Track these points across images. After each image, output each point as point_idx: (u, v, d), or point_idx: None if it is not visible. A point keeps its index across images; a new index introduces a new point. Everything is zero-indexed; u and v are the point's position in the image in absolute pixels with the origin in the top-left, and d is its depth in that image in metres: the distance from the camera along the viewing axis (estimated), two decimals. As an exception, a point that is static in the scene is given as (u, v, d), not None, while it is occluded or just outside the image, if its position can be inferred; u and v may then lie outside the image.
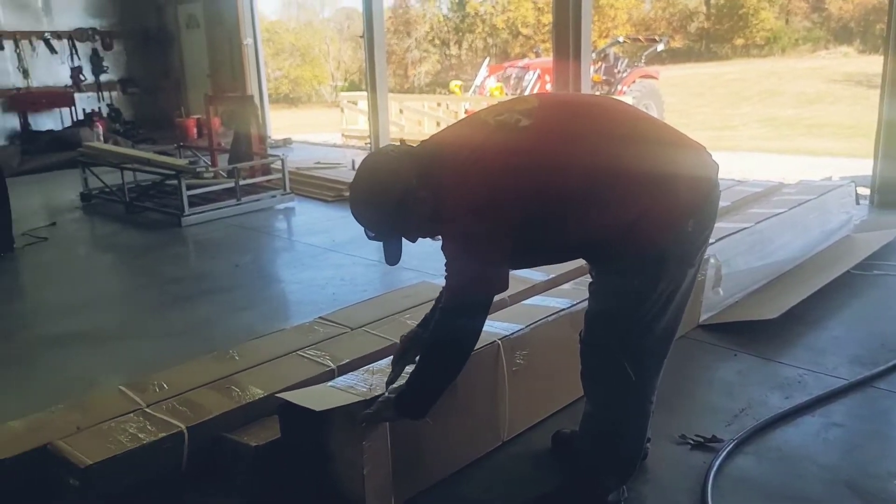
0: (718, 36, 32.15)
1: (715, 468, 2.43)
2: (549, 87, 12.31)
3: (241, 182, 7.05)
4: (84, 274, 5.47)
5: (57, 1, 12.58)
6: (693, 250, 1.96)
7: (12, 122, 12.06)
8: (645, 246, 1.89)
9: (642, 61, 13.50)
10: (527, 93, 12.39)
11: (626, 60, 13.31)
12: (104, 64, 13.19)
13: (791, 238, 4.33)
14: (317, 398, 2.30)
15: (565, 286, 3.34)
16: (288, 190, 7.35)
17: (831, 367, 3.18)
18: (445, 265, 1.94)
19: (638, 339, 1.98)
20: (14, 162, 9.95)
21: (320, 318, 3.19)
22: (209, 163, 7.81)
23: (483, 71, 13.90)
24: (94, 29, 13.00)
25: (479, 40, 33.48)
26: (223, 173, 7.48)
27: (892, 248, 4.70)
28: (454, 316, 1.95)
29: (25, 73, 12.24)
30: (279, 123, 14.76)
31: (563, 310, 2.93)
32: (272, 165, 7.74)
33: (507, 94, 12.38)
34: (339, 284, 4.70)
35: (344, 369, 2.70)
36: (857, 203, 5.40)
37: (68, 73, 12.75)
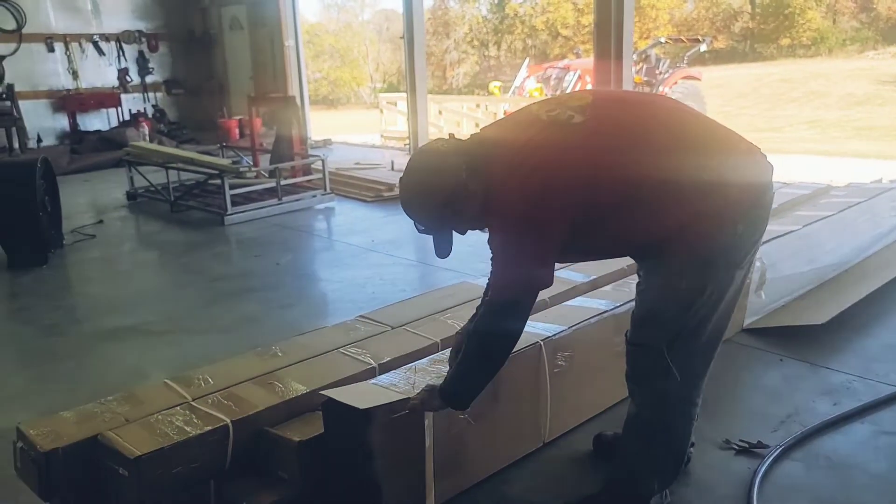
0: (763, 36, 31.53)
1: (761, 474, 2.39)
2: (589, 87, 12.24)
3: (283, 182, 7.14)
4: (131, 270, 5.61)
5: (105, 3, 12.88)
6: (742, 253, 1.93)
7: (62, 122, 12.38)
8: (694, 248, 1.87)
9: (685, 62, 13.30)
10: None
11: (668, 61, 13.14)
12: (150, 65, 13.47)
13: (840, 242, 4.23)
14: (360, 396, 2.31)
15: (606, 288, 3.31)
16: (328, 190, 7.42)
17: (882, 374, 3.10)
18: (492, 258, 1.94)
19: (685, 341, 1.96)
20: (63, 161, 10.21)
21: (361, 316, 3.21)
22: (251, 163, 7.92)
23: (523, 72, 13.85)
24: (140, 31, 13.29)
25: (519, 41, 33.38)
26: (265, 173, 7.58)
27: (946, 253, 4.57)
28: (499, 308, 1.95)
29: (75, 75, 12.56)
30: (319, 124, 14.90)
31: (606, 311, 2.91)
32: (313, 166, 7.82)
33: (546, 95, 12.32)
34: (379, 284, 4.73)
35: (385, 367, 2.71)
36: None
37: (115, 74, 13.05)
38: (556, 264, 2.02)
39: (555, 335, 2.68)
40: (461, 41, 33.64)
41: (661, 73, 12.60)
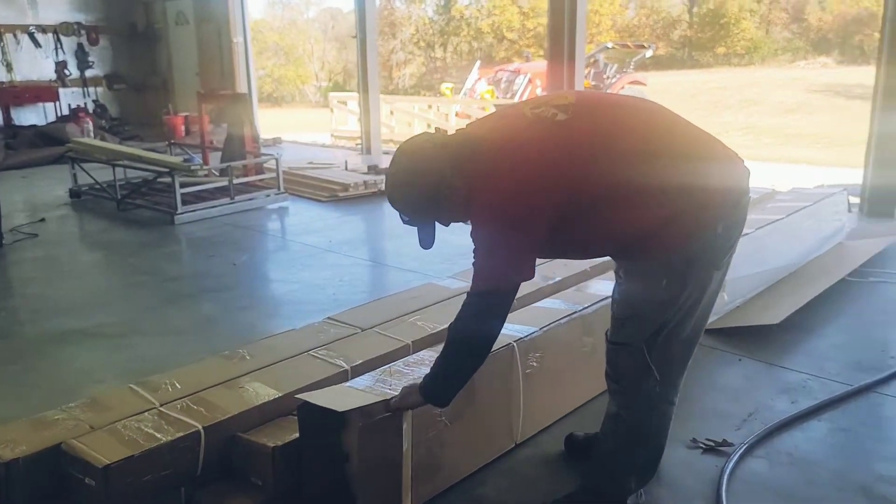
0: (701, 44, 32.45)
1: (728, 472, 2.45)
2: (539, 91, 12.37)
3: (235, 181, 7.00)
4: (78, 271, 5.40)
5: (43, -6, 12.45)
6: (721, 253, 1.98)
7: (-6, 116, 11.91)
8: (675, 247, 1.91)
9: (631, 67, 13.59)
10: (517, 97, 12.46)
11: (616, 66, 13.40)
12: (90, 59, 13.06)
13: (788, 245, 4.38)
14: (337, 398, 2.29)
15: (569, 290, 3.35)
16: (282, 189, 7.31)
17: (833, 373, 3.22)
18: (474, 251, 1.96)
19: (665, 340, 2.00)
20: (-3, 156, 9.81)
21: (329, 318, 3.17)
22: (201, 161, 7.74)
23: (474, 74, 13.94)
24: (79, 23, 12.88)
25: (465, 43, 33.53)
26: (216, 172, 7.43)
27: (886, 255, 4.78)
28: (479, 300, 1.96)
29: (9, 67, 12.10)
30: (265, 123, 14.67)
31: (574, 313, 2.95)
32: (266, 165, 7.70)
33: (498, 98, 12.42)
34: (339, 285, 4.68)
35: (357, 370, 2.69)
36: (849, 211, 5.48)
37: (53, 67, 12.60)
38: (539, 259, 2.04)
39: (527, 336, 2.71)
40: (408, 42, 33.60)
41: (608, 77, 12.84)
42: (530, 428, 2.75)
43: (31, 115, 12.19)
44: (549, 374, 2.80)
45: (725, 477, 2.42)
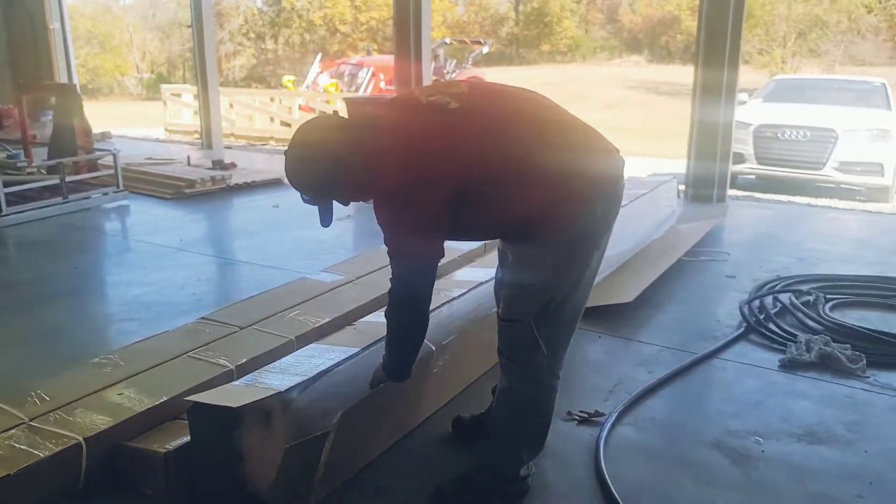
0: (527, 42, 34.01)
1: (603, 440, 2.66)
2: (382, 84, 12.44)
3: (67, 178, 6.48)
4: None
5: None
6: (600, 232, 2.15)
7: None
8: (560, 228, 2.06)
9: (469, 62, 14.00)
10: (361, 90, 12.44)
11: (455, 62, 13.75)
12: None
13: (632, 229, 4.76)
14: (227, 397, 2.24)
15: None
16: (121, 187, 6.86)
17: (680, 344, 3.56)
18: (384, 239, 2.05)
19: (551, 316, 2.13)
20: None
21: (203, 318, 3.07)
22: (24, 157, 7.08)
23: (315, 67, 13.73)
24: None
25: (297, 35, 32.92)
26: (43, 169, 6.83)
27: (712, 236, 5.33)
28: (398, 286, 2.08)
29: None
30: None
31: (457, 298, 3.05)
32: (102, 161, 7.18)
33: (342, 91, 12.34)
34: (198, 284, 4.50)
35: (243, 369, 2.64)
36: (679, 197, 6.03)
37: None
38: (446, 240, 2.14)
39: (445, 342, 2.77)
40: (236, 33, 32.45)
41: (448, 72, 13.15)
42: (424, 414, 2.81)
43: None
44: (453, 366, 2.88)
45: (602, 444, 2.62)
